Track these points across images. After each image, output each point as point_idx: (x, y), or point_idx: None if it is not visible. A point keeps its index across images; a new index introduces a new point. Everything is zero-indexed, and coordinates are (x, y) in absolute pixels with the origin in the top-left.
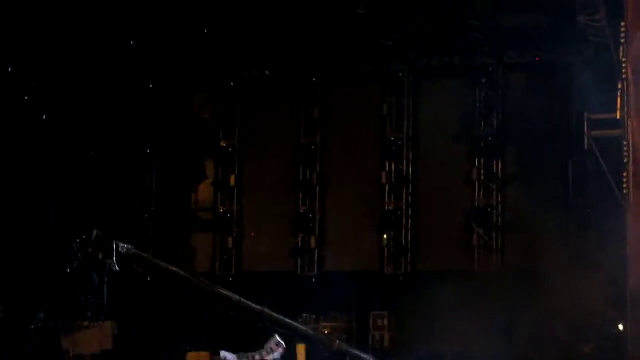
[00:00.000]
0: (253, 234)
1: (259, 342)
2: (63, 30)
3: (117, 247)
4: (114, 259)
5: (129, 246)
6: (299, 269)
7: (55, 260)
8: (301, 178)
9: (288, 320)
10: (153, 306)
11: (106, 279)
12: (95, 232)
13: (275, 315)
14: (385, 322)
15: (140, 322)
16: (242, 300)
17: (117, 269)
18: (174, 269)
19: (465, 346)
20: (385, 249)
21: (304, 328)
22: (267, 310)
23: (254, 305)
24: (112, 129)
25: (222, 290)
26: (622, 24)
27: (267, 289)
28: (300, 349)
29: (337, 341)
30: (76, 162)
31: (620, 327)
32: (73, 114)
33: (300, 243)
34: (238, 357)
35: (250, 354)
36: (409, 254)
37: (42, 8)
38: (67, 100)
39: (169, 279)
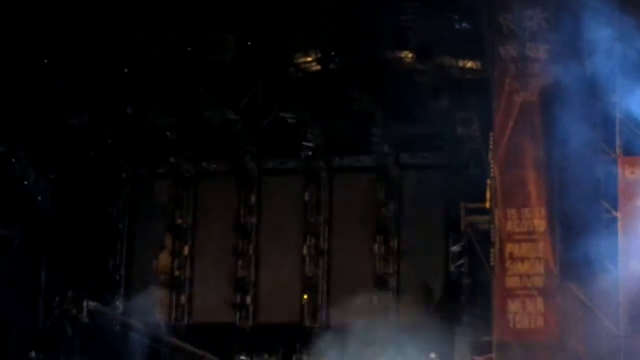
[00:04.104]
0: None
1: None
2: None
3: (87, 304)
4: (84, 313)
5: (96, 304)
6: (237, 321)
7: (41, 314)
8: (240, 249)
9: None
10: (123, 349)
11: (78, 329)
12: (70, 292)
13: (214, 358)
14: None
15: None
16: (187, 346)
17: (87, 321)
18: (131, 321)
19: None
20: (306, 306)
21: None
22: (208, 355)
23: (197, 350)
24: (93, 209)
25: (169, 338)
26: (491, 134)
27: (212, 336)
28: None
29: None
30: (65, 239)
31: None
32: (65, 199)
33: (238, 300)
34: None
35: None
36: (324, 310)
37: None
38: (59, 189)
39: (128, 329)
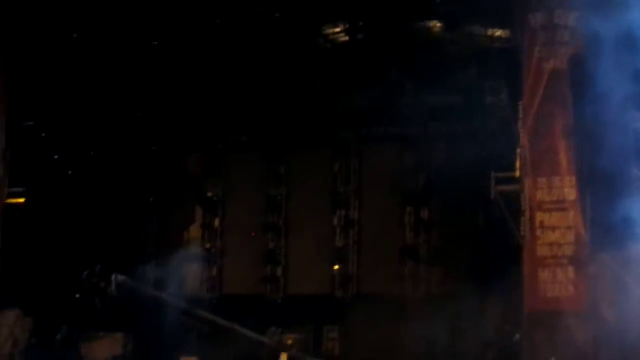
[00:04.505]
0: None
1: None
2: (83, 105)
3: (116, 278)
4: (113, 287)
5: (125, 277)
6: (268, 293)
7: (72, 288)
8: (270, 221)
9: (252, 334)
10: (154, 321)
11: (107, 303)
12: (98, 267)
13: (243, 330)
14: (336, 334)
15: (144, 334)
16: (217, 318)
17: (115, 294)
18: (162, 294)
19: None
20: (336, 277)
21: (266, 340)
22: (236, 326)
23: (227, 323)
24: (124, 183)
25: (200, 311)
26: (520, 103)
27: (243, 308)
28: (283, 357)
29: (294, 349)
30: (95, 211)
31: (517, 336)
32: (96, 173)
33: (269, 272)
34: None
35: None
36: (355, 281)
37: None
38: (90, 164)
39: (159, 302)
